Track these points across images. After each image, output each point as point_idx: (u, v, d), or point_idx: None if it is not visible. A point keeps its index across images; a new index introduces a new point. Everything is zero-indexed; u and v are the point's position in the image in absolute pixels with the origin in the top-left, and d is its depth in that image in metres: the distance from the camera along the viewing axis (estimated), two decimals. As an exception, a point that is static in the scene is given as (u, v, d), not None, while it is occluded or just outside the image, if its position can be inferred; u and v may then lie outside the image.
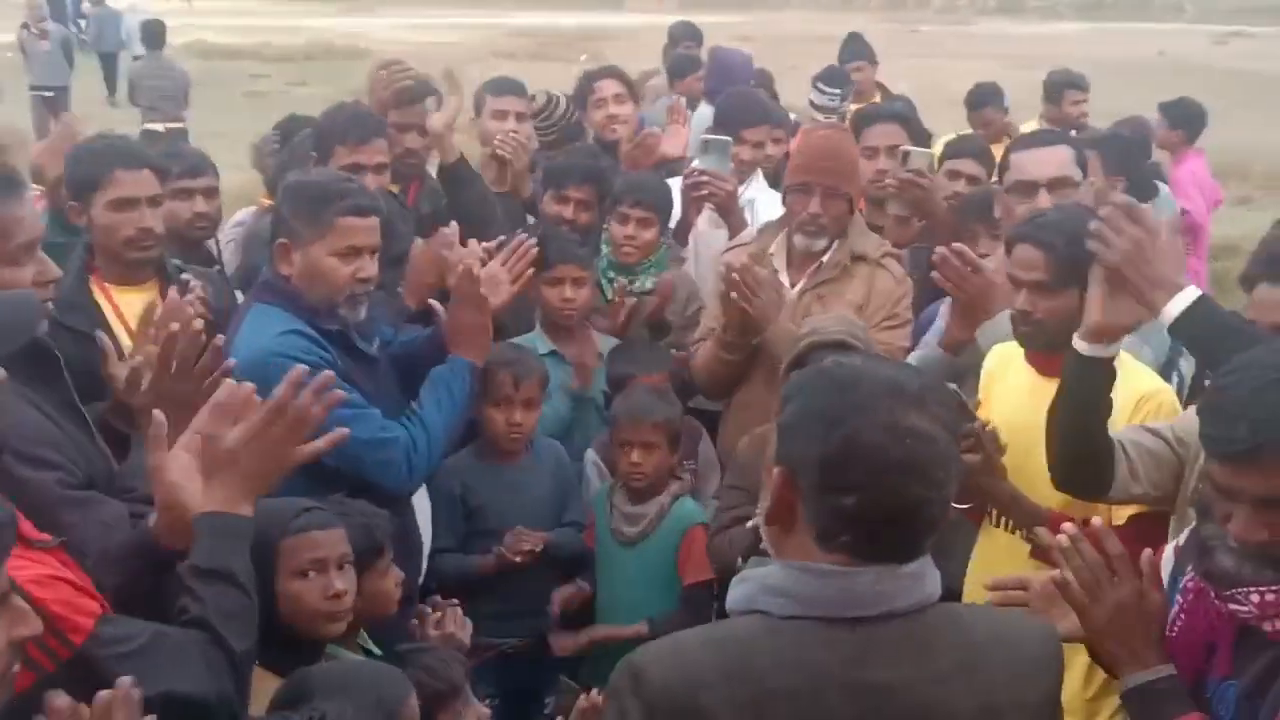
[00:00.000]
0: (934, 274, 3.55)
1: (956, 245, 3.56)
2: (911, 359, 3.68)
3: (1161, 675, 2.15)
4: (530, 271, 3.73)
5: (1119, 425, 2.86)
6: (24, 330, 2.52)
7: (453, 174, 4.36)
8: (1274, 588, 1.97)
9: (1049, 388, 2.84)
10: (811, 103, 7.25)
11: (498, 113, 4.86)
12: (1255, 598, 1.99)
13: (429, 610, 3.17)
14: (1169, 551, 2.37)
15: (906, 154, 4.34)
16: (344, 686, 2.43)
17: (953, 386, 3.15)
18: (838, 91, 7.12)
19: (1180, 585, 2.23)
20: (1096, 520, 2.32)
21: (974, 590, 3.11)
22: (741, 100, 5.31)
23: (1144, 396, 2.97)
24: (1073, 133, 6.10)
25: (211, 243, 4.42)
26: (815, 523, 1.70)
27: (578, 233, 4.39)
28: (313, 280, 3.18)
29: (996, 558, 3.15)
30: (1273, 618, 2.00)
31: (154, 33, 13.54)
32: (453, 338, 3.42)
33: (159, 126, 8.39)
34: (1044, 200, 3.55)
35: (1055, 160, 3.67)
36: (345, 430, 2.44)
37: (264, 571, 2.62)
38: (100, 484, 2.63)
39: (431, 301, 3.58)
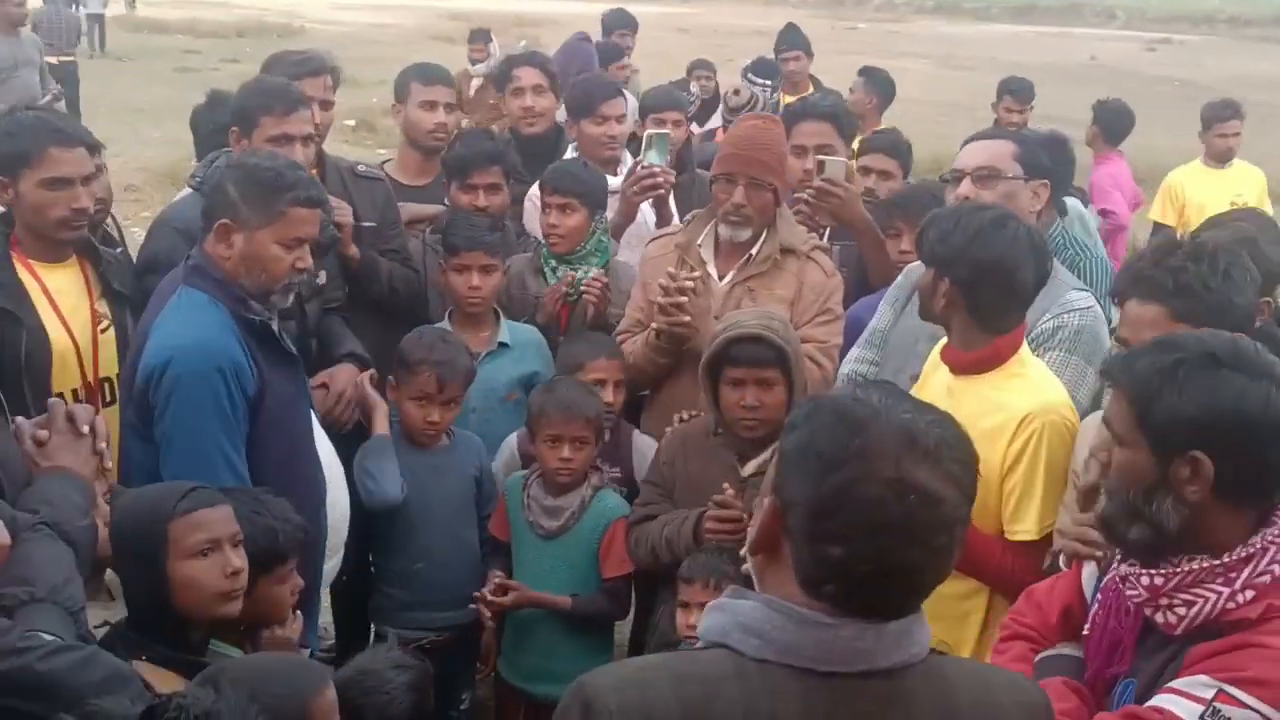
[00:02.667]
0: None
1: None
2: None
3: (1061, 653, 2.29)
4: None
5: (996, 449, 2.90)
6: None
7: (358, 272, 4.21)
8: (1161, 571, 2.05)
9: (963, 385, 3.00)
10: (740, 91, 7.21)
11: (426, 103, 4.76)
12: (1145, 580, 2.07)
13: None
14: (1090, 566, 2.42)
15: (822, 163, 4.25)
16: (256, 677, 2.36)
17: None
18: (768, 83, 7.10)
19: (1100, 586, 2.30)
20: None
21: None
22: (587, 84, 5.23)
23: (1026, 418, 2.94)
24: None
25: (111, 224, 4.25)
26: (800, 567, 1.58)
27: (491, 217, 4.31)
28: (251, 265, 3.08)
29: None
30: (1163, 606, 2.06)
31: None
32: None
33: (54, 59, 12.31)
34: (966, 189, 3.54)
35: (985, 152, 3.64)
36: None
37: (153, 557, 2.55)
38: (11, 479, 2.49)
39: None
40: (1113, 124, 7.90)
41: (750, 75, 7.16)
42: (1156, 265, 2.69)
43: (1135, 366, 2.09)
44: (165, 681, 2.51)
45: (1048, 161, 3.72)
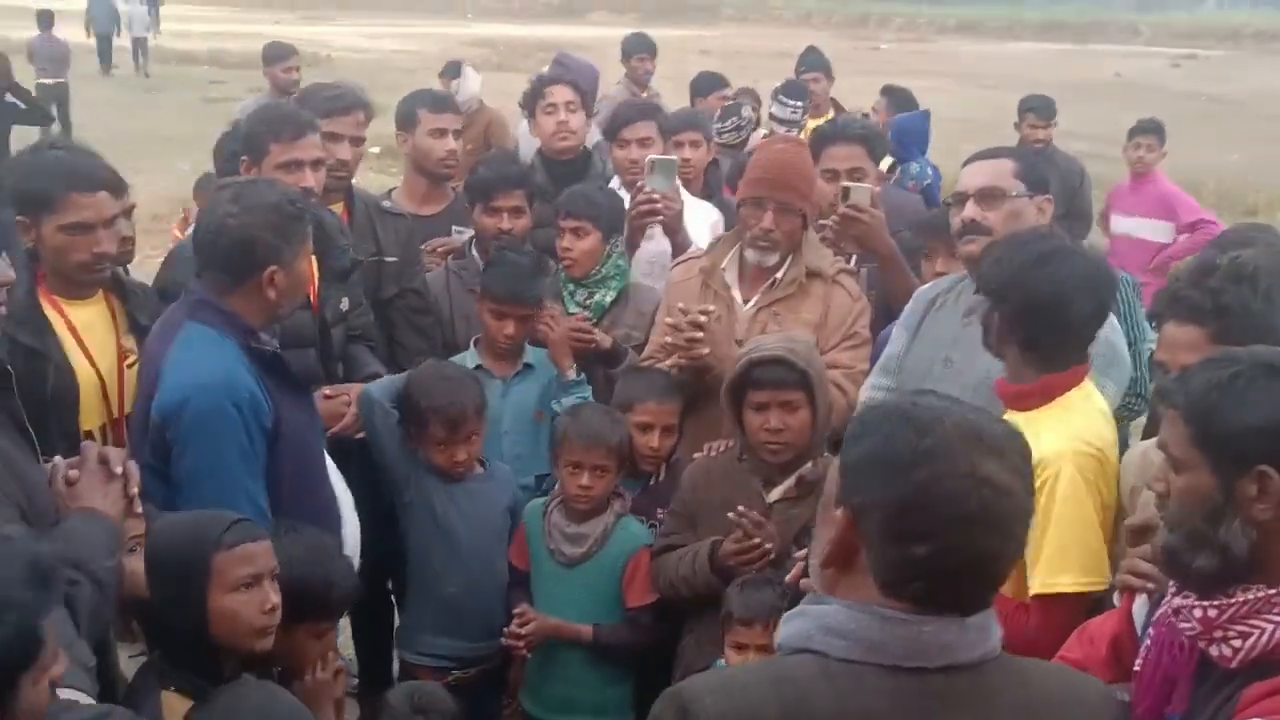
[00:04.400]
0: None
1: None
2: None
3: None
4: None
5: None
6: None
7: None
8: (1215, 603, 1.94)
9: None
10: (772, 115, 7.21)
11: (436, 130, 4.78)
12: (1198, 612, 1.97)
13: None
14: (1141, 599, 2.35)
15: (846, 189, 4.21)
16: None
17: None
18: (799, 104, 7.09)
19: (1151, 621, 2.21)
20: None
21: None
22: (615, 108, 5.25)
23: (1039, 464, 2.78)
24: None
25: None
26: (881, 570, 1.63)
27: (515, 239, 4.32)
28: (293, 294, 3.16)
29: None
30: (1217, 640, 1.96)
31: (45, 17, 18.06)
32: None
33: (49, 80, 16.48)
34: (971, 210, 3.49)
35: (987, 171, 3.56)
36: None
37: (194, 587, 2.55)
38: (37, 512, 2.49)
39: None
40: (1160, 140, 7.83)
41: (781, 97, 7.16)
42: (1194, 286, 2.61)
43: (1189, 384, 2.00)
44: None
45: (1048, 175, 3.67)
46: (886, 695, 1.59)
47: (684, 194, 4.95)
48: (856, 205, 4.13)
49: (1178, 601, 2.02)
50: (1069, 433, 2.82)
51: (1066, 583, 2.74)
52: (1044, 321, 2.86)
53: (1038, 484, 2.70)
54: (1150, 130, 7.86)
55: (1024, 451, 1.66)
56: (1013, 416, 2.89)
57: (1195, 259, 2.73)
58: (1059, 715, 1.69)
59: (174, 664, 2.61)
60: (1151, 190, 7.77)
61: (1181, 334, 2.60)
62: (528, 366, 4.13)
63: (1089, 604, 2.75)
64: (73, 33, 25.87)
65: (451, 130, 4.81)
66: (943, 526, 1.57)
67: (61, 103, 16.83)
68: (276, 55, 9.08)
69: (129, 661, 2.74)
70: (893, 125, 6.77)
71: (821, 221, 4.21)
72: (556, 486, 3.77)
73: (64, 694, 2.06)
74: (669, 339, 3.77)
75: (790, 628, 1.67)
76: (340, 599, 2.93)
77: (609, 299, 4.28)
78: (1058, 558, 2.75)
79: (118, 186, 3.40)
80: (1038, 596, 2.77)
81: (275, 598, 2.65)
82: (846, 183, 4.26)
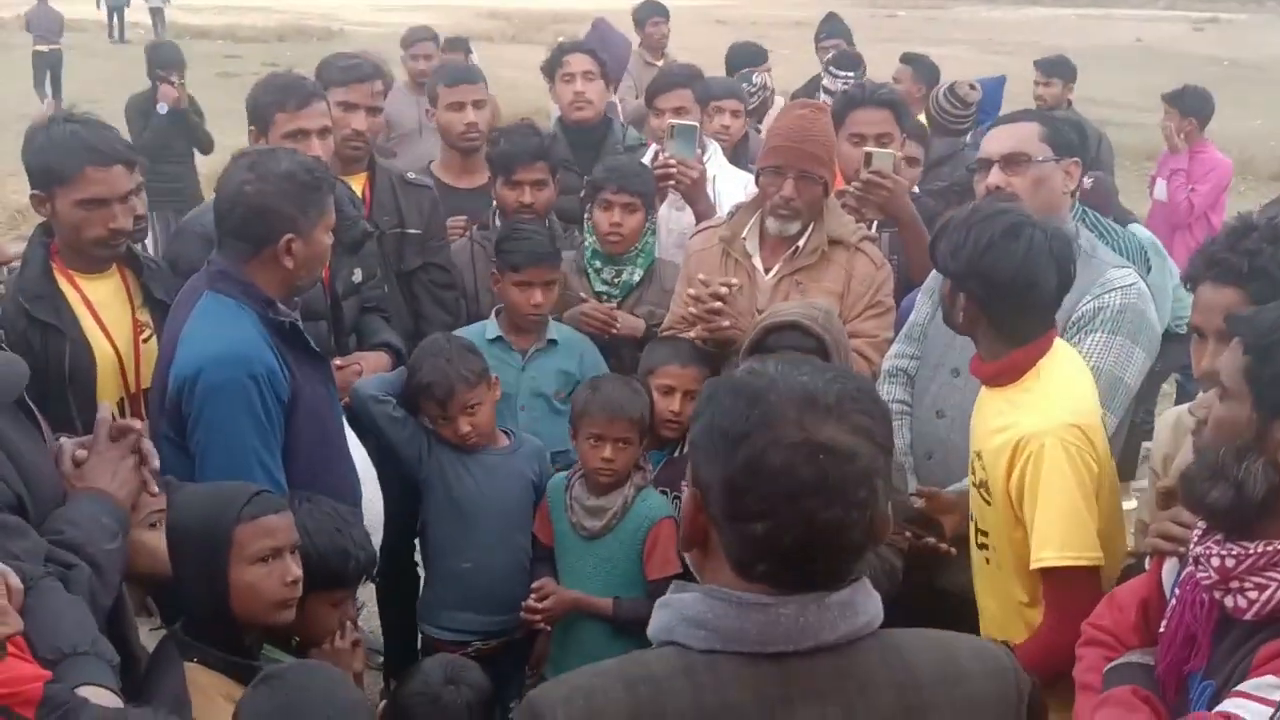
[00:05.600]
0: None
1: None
2: None
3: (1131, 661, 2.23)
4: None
5: (999, 472, 2.79)
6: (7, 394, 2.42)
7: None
8: (1234, 551, 1.97)
9: (986, 398, 2.93)
10: (824, 87, 7.09)
11: (454, 104, 4.75)
12: (1216, 561, 1.99)
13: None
14: (1171, 563, 2.34)
15: (869, 155, 4.16)
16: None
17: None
18: (850, 74, 6.97)
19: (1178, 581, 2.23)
20: None
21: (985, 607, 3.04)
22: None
23: (1021, 441, 2.77)
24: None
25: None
26: (729, 552, 1.55)
27: (537, 214, 4.27)
28: (311, 265, 3.12)
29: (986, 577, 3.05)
30: (1233, 590, 1.98)
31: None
32: None
33: (44, 47, 18.57)
34: (995, 177, 3.43)
35: (1011, 136, 3.50)
36: None
37: (215, 560, 2.55)
38: (39, 496, 2.44)
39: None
40: (1203, 109, 7.62)
41: (832, 69, 7.03)
42: (1231, 248, 2.55)
43: (1259, 317, 2.01)
44: (217, 684, 2.53)
45: (1076, 138, 3.60)
46: (748, 686, 1.51)
47: (722, 162, 4.93)
48: (879, 171, 4.08)
49: (1198, 550, 2.05)
50: (1049, 408, 2.79)
51: (1051, 557, 2.72)
52: (1011, 300, 2.81)
53: (1021, 461, 2.73)
54: (1172, 100, 7.71)
55: (871, 407, 1.55)
56: (993, 395, 2.90)
57: (1232, 220, 2.68)
58: (944, 694, 1.58)
59: (195, 636, 2.60)
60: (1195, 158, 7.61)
61: (1218, 296, 2.55)
62: (551, 343, 4.05)
63: (1100, 577, 2.74)
64: (84, 8, 25.96)
65: (470, 101, 4.76)
66: (777, 501, 1.48)
67: (55, 68, 18.73)
68: (410, 38, 7.84)
69: (149, 635, 2.72)
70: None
71: (841, 189, 4.16)
72: (577, 460, 3.74)
73: (86, 691, 2.03)
74: (692, 309, 3.72)
75: (656, 619, 1.59)
76: (357, 568, 2.91)
77: (636, 277, 4.23)
78: (1042, 533, 2.73)
79: (132, 160, 3.37)
80: (1040, 572, 2.76)
81: (296, 570, 2.64)
82: (869, 148, 4.21)
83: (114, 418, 2.63)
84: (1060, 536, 2.71)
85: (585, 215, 4.30)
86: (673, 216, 4.57)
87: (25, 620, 1.98)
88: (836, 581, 1.54)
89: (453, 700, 2.87)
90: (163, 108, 8.38)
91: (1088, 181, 5.63)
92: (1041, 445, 2.72)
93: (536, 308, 3.98)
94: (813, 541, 1.49)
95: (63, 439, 2.60)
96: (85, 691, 2.03)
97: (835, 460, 1.48)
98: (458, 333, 4.01)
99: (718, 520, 1.55)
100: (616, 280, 4.23)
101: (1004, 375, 2.87)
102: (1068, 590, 2.71)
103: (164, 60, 8.63)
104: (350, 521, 2.95)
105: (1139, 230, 6.11)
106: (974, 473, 2.96)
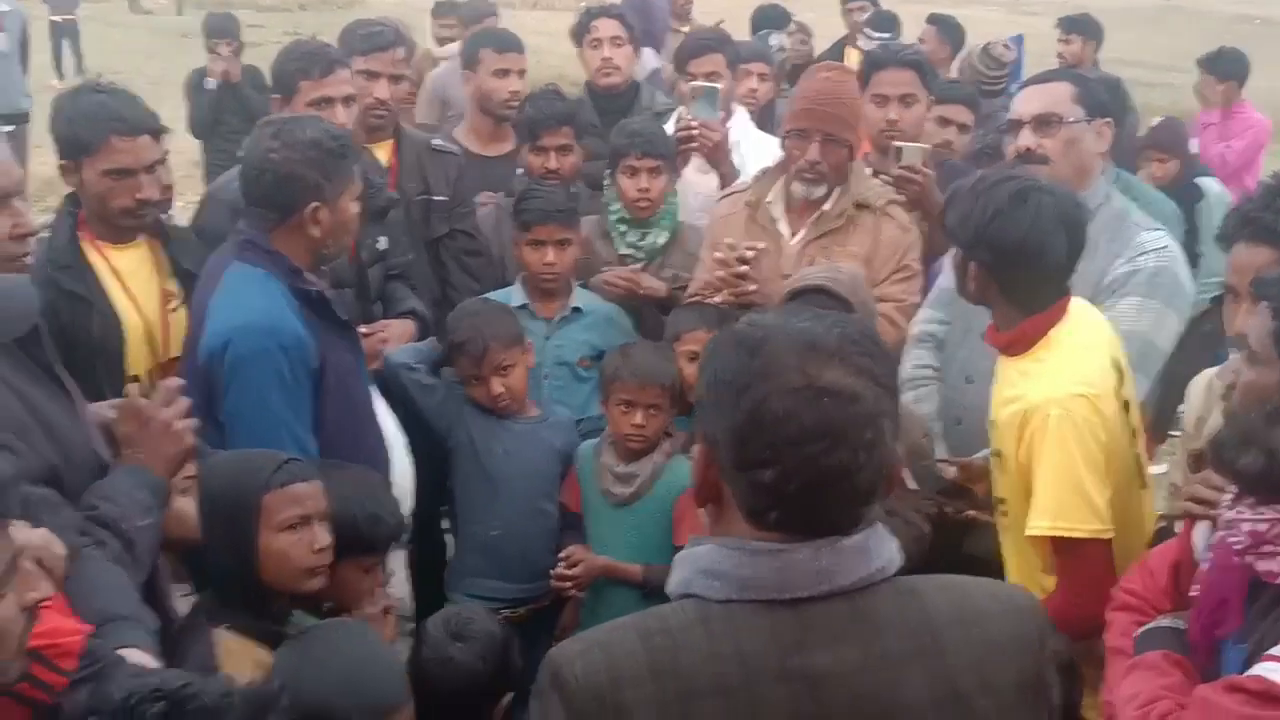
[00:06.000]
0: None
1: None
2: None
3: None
4: None
5: (1010, 443, 2.77)
6: (22, 320, 2.42)
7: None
8: (1266, 516, 1.95)
9: (1002, 367, 2.89)
10: (861, 50, 7.03)
11: (500, 71, 4.72)
12: (1247, 526, 1.97)
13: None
14: (1202, 527, 2.31)
15: (900, 149, 4.09)
16: (340, 682, 2.33)
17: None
18: (887, 35, 6.89)
19: (1210, 545, 2.21)
20: None
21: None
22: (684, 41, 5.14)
23: (1028, 412, 2.73)
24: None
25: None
26: (741, 502, 1.56)
27: (563, 179, 4.25)
28: (338, 233, 3.12)
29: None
30: (1265, 554, 1.96)
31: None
32: None
33: (58, 17, 17.60)
34: (1026, 138, 3.38)
35: (1042, 97, 3.44)
36: None
37: (244, 527, 2.56)
38: (74, 466, 2.46)
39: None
40: (1239, 71, 7.42)
41: (868, 30, 6.97)
42: (1267, 207, 2.51)
43: None
44: (246, 650, 2.54)
45: (1108, 98, 3.54)
46: (763, 633, 1.52)
47: (749, 128, 4.89)
48: (910, 166, 4.03)
49: (1229, 515, 2.04)
50: (1057, 379, 2.75)
51: (1044, 526, 2.70)
52: (1021, 268, 2.77)
53: (1029, 432, 2.70)
54: (1208, 65, 7.52)
55: (873, 349, 1.55)
56: (1007, 365, 2.87)
57: (1268, 179, 2.64)
58: (962, 636, 1.57)
59: (225, 603, 2.62)
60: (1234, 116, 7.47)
61: (1252, 255, 2.52)
62: (576, 311, 4.04)
63: (1109, 549, 2.71)
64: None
65: (516, 70, 4.74)
66: (783, 447, 1.49)
67: (72, 38, 18.03)
68: (441, 9, 7.70)
69: (181, 601, 2.75)
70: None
71: (881, 178, 4.09)
72: (607, 427, 3.73)
73: (124, 653, 2.06)
74: (719, 274, 3.70)
75: (674, 575, 1.61)
76: (387, 533, 2.92)
77: (662, 240, 4.21)
78: (1040, 502, 2.71)
79: (158, 130, 3.37)
80: (1050, 542, 2.74)
81: (326, 538, 2.65)
82: (900, 142, 4.14)
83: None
84: (1055, 507, 2.68)
85: (606, 181, 4.28)
86: (698, 180, 4.54)
87: (68, 587, 2.00)
88: (849, 525, 1.55)
89: (464, 658, 2.84)
90: (210, 83, 8.04)
91: (1155, 120, 5.53)
92: (1047, 416, 2.69)
93: (549, 266, 3.95)
94: (821, 485, 1.50)
95: (91, 406, 2.62)
96: (123, 653, 2.05)
97: (838, 403, 1.49)
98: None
99: (728, 472, 1.56)
100: (642, 243, 4.21)
101: (1017, 344, 2.83)
102: (1072, 559, 2.70)
103: (213, 30, 8.31)
104: (378, 486, 2.97)
105: (1210, 184, 6.02)
106: (991, 441, 2.95)
